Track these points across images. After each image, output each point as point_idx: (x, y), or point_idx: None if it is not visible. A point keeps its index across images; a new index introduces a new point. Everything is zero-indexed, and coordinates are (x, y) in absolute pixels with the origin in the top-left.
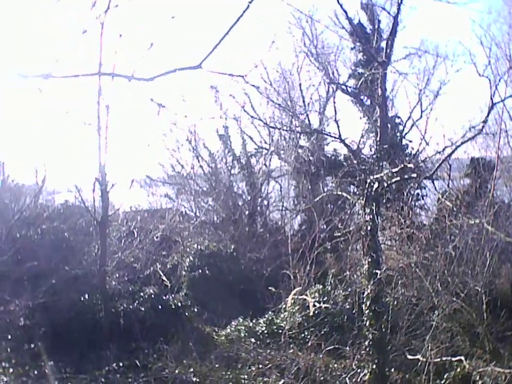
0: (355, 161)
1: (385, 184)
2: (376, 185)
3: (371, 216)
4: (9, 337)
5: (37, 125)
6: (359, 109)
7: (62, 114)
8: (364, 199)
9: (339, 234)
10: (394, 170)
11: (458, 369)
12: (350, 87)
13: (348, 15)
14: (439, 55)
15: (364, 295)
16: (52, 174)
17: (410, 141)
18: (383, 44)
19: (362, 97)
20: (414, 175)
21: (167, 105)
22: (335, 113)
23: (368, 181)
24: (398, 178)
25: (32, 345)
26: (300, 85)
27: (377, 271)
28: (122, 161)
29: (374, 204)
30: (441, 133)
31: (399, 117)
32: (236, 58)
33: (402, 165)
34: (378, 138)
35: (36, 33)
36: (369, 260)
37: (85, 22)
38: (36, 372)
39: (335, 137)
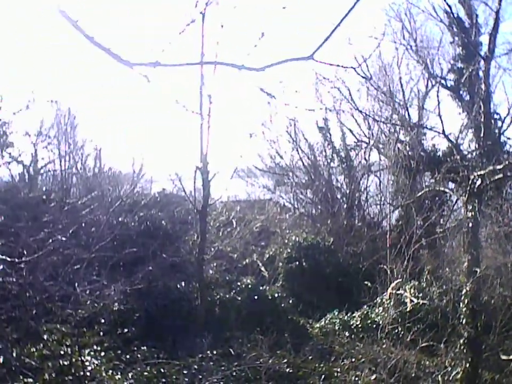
0: (458, 157)
1: (489, 181)
2: (479, 182)
3: (473, 213)
4: (103, 321)
5: (138, 113)
6: (458, 104)
7: (165, 102)
8: (467, 195)
9: (437, 231)
10: (498, 167)
11: None
12: (449, 80)
13: (450, 7)
14: None
15: (462, 293)
16: (149, 162)
17: (509, 138)
18: (481, 39)
19: (461, 92)
20: None
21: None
22: (438, 107)
23: (472, 177)
24: (501, 175)
25: (126, 330)
26: (400, 78)
27: (476, 269)
28: (223, 151)
29: (476, 201)
30: None
31: (498, 113)
32: (339, 50)
33: (506, 162)
34: (482, 135)
35: (142, 23)
36: (469, 257)
37: (188, 13)
38: (128, 357)
39: (437, 132)
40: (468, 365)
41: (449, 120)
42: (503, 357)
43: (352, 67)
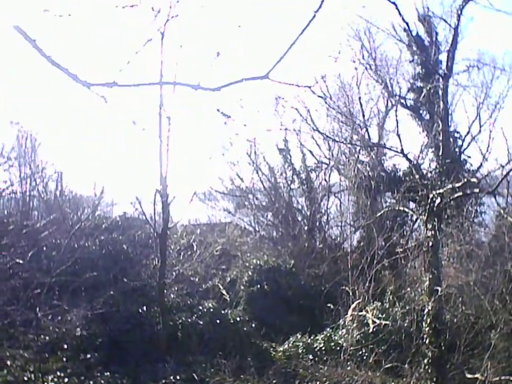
0: (417, 176)
1: (448, 199)
2: (438, 200)
3: (433, 232)
4: (66, 346)
5: (97, 135)
6: (418, 123)
7: (124, 125)
8: (426, 214)
9: (398, 250)
10: (457, 185)
11: None
12: (409, 99)
13: (408, 26)
14: (497, 68)
15: (424, 312)
16: (110, 186)
17: (469, 157)
18: (441, 57)
19: (421, 111)
20: (477, 190)
21: (231, 117)
22: (397, 127)
23: (431, 196)
24: (461, 193)
25: (88, 356)
26: (360, 98)
27: (438, 287)
28: (183, 174)
29: (436, 220)
30: (501, 148)
31: (458, 132)
32: (298, 69)
33: (465, 180)
34: (440, 153)
35: (99, 43)
36: (430, 276)
37: (146, 33)
38: (91, 382)
39: (397, 152)
40: None
41: (410, 139)
42: (468, 375)
43: (307, 86)
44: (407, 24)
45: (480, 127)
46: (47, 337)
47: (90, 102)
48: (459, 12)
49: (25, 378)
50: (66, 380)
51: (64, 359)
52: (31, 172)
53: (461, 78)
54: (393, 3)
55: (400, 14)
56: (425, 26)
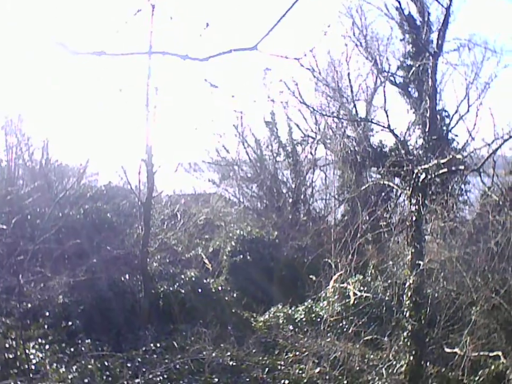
0: (403, 152)
1: (433, 175)
2: (423, 175)
3: (417, 207)
4: (47, 314)
5: (84, 104)
6: (407, 101)
7: (111, 94)
8: (411, 189)
9: (382, 225)
10: (442, 161)
11: (493, 367)
12: (399, 76)
13: (400, 4)
14: (488, 49)
15: (405, 286)
16: (96, 155)
17: (456, 135)
18: (433, 36)
19: (410, 89)
20: (462, 167)
21: (218, 88)
22: (385, 103)
23: (416, 171)
24: (446, 170)
25: (70, 323)
26: (349, 74)
27: (420, 262)
28: (169, 144)
29: (420, 195)
30: (488, 128)
31: (446, 111)
32: (288, 42)
33: (450, 156)
34: (427, 129)
35: (90, 13)
36: (413, 250)
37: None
38: (72, 349)
39: (383, 127)
40: (412, 358)
41: (398, 117)
42: (447, 350)
43: (296, 58)
44: (399, 3)
45: (469, 106)
46: (29, 304)
47: (78, 71)
48: None
49: (7, 345)
50: (47, 346)
51: (46, 326)
52: (17, 141)
53: (451, 57)
54: None
55: None
56: (418, 6)
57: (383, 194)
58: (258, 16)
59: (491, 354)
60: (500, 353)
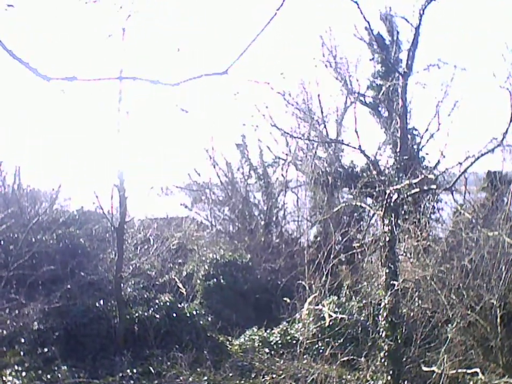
0: (374, 172)
1: (405, 195)
2: (395, 196)
3: (389, 227)
4: (23, 340)
5: (56, 130)
6: (377, 121)
7: (83, 119)
8: (383, 210)
9: (355, 245)
10: (414, 181)
11: (471, 383)
12: (368, 96)
13: (370, 26)
14: (458, 67)
15: (381, 306)
16: (68, 180)
17: (427, 154)
18: (402, 56)
19: (380, 108)
20: (434, 186)
21: (189, 112)
22: (355, 123)
23: (388, 191)
24: (418, 189)
25: (46, 349)
26: (319, 95)
27: (394, 282)
28: (141, 169)
29: (393, 215)
30: (459, 146)
31: (416, 130)
32: (259, 66)
33: (422, 176)
34: (398, 149)
35: (61, 37)
36: (387, 270)
37: (108, 28)
38: (48, 376)
39: (354, 147)
40: (389, 378)
41: (369, 137)
42: (425, 368)
43: (266, 82)
44: (368, 23)
45: (439, 125)
46: (4, 331)
47: (50, 96)
48: (421, 12)
49: None
50: (24, 373)
51: (22, 353)
52: None
53: (421, 77)
54: (355, 2)
55: (361, 12)
56: (387, 25)
57: (355, 215)
58: (229, 41)
59: (469, 371)
60: (477, 370)
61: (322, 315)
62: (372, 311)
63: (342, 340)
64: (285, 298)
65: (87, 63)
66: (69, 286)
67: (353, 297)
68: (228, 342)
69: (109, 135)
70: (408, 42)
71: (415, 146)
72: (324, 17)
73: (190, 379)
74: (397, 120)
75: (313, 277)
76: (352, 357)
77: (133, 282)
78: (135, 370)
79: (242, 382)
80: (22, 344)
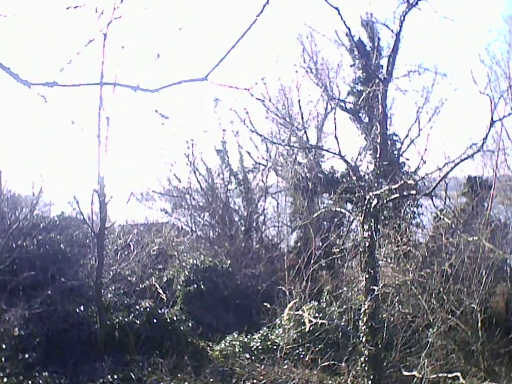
0: (354, 178)
1: (385, 201)
2: (375, 201)
3: (369, 233)
4: (4, 346)
5: (36, 135)
6: (358, 126)
7: (63, 124)
8: (363, 215)
9: (335, 251)
10: (394, 186)
11: None
12: (349, 102)
13: (350, 32)
14: (439, 73)
15: (361, 311)
16: (48, 185)
17: (407, 159)
18: (383, 62)
19: (360, 114)
20: (414, 192)
21: (169, 118)
22: (335, 129)
23: (368, 197)
24: (398, 195)
25: (27, 355)
26: (299, 101)
27: (374, 287)
28: (120, 174)
29: (372, 221)
30: (439, 151)
31: (397, 135)
32: (239, 72)
33: (402, 182)
34: (378, 155)
35: (42, 42)
36: (367, 276)
37: (89, 33)
38: (30, 382)
39: (334, 153)
40: (370, 382)
41: (349, 142)
42: (406, 373)
43: (246, 88)
44: (349, 29)
45: (419, 130)
46: None
47: (30, 101)
48: (401, 18)
49: None
50: (5, 380)
51: (3, 359)
52: None
53: (401, 83)
54: (336, 8)
55: (342, 19)
56: (368, 31)
57: (335, 220)
58: (208, 47)
59: (450, 375)
60: (458, 374)
61: (302, 320)
62: (352, 316)
63: (322, 345)
64: (265, 304)
65: (68, 69)
66: (49, 292)
67: (334, 302)
68: (208, 348)
69: (90, 141)
70: (389, 48)
71: (395, 152)
72: (305, 23)
73: None
74: (377, 126)
75: (293, 282)
76: (332, 362)
77: (113, 288)
78: (116, 376)
79: None
80: (2, 350)
